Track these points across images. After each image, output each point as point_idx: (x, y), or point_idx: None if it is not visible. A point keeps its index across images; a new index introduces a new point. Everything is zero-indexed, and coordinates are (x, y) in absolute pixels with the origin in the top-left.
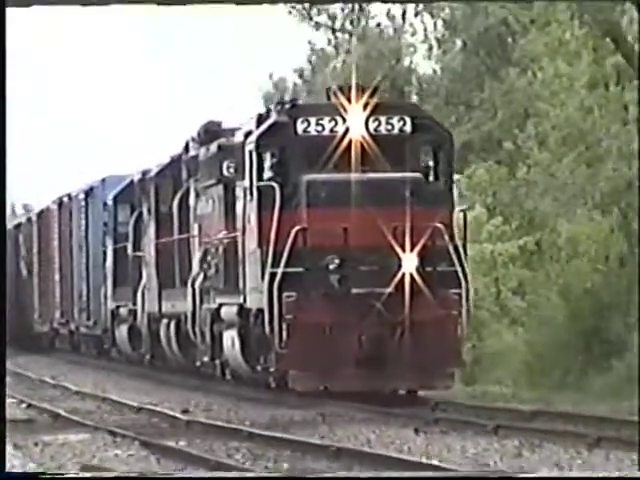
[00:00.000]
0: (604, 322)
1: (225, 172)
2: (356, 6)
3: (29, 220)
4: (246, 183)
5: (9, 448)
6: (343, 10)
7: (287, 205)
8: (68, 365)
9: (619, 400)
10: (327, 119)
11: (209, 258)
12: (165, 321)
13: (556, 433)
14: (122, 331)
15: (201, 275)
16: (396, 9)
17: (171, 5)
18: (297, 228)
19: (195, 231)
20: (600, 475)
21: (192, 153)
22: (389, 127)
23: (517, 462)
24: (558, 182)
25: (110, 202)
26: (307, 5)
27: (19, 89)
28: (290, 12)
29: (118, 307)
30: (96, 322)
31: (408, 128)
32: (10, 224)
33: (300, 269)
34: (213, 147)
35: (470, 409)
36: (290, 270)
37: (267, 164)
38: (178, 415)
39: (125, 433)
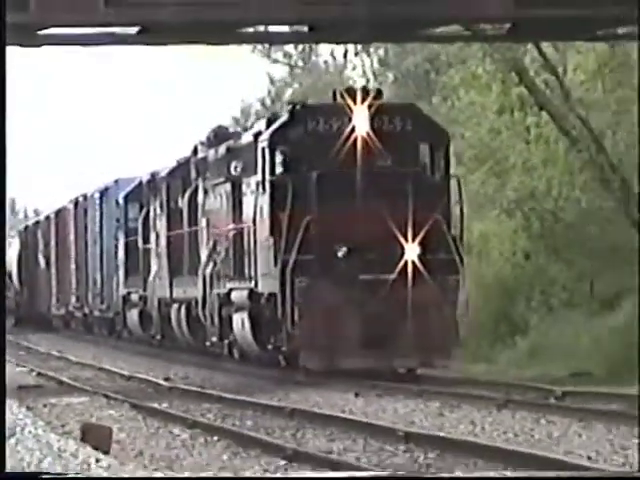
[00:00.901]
0: (510, 306)
1: (232, 171)
2: (307, 46)
3: (47, 218)
4: (258, 178)
5: (23, 409)
6: (296, 49)
7: (298, 197)
8: (71, 341)
9: (522, 370)
10: (335, 118)
11: (219, 248)
12: (176, 305)
13: (471, 396)
14: (133, 314)
15: (211, 263)
16: (339, 49)
17: (157, 45)
18: (308, 219)
19: (203, 224)
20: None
21: (201, 155)
22: (391, 126)
23: (439, 420)
24: (472, 191)
25: (121, 201)
26: (267, 45)
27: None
28: (253, 51)
29: (129, 293)
30: (109, 306)
31: (409, 127)
32: (30, 222)
33: (311, 256)
34: (222, 149)
35: (400, 377)
36: (301, 257)
37: (279, 160)
38: (161, 382)
39: (117, 397)
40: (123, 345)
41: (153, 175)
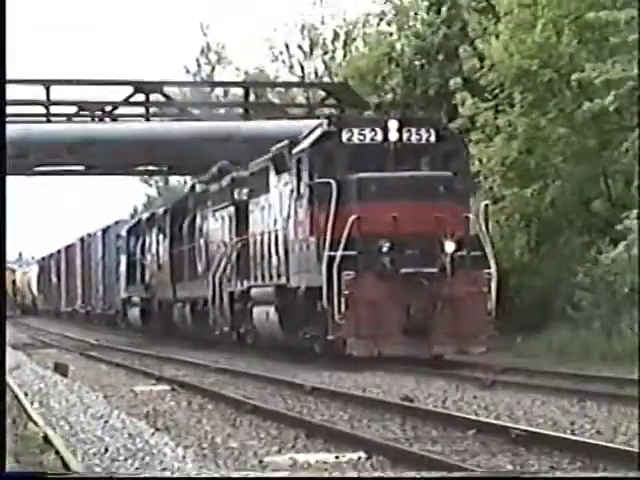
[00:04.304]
0: None
1: (236, 196)
2: (166, 176)
3: (58, 251)
4: (293, 185)
5: (24, 356)
6: (160, 177)
7: (340, 199)
8: (51, 321)
9: None
10: (368, 129)
11: (228, 256)
12: (179, 304)
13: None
14: (134, 312)
15: (220, 268)
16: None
17: (95, 175)
18: (353, 217)
19: (201, 243)
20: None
21: (199, 190)
22: (418, 137)
23: (293, 372)
24: None
25: (124, 233)
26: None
27: None
28: (140, 180)
29: (129, 297)
30: (110, 306)
31: (433, 138)
32: (45, 255)
33: (355, 252)
34: (226, 180)
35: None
36: (347, 253)
37: (317, 167)
38: (93, 341)
39: (71, 349)
40: (78, 324)
41: (152, 213)
